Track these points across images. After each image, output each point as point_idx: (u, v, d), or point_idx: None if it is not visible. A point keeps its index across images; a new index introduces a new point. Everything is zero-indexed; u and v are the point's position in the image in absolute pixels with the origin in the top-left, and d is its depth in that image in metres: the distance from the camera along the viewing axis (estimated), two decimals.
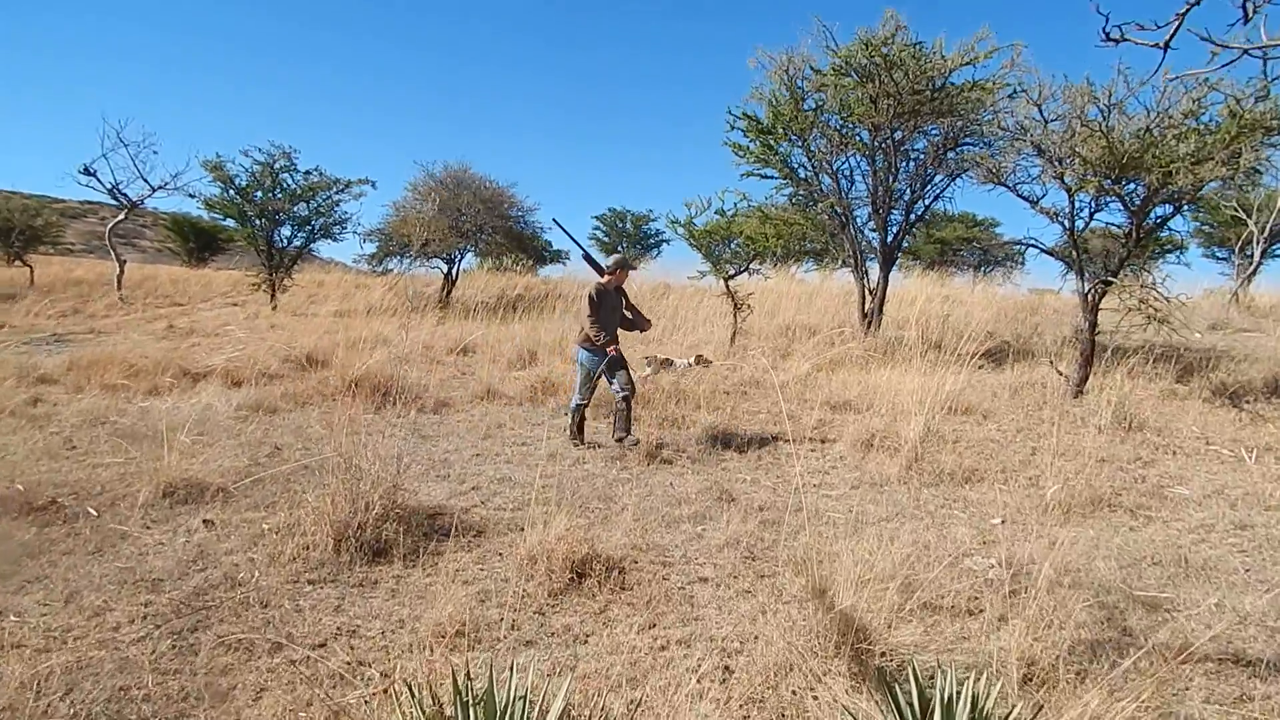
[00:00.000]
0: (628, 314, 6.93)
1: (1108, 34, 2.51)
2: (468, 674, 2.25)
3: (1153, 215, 8.23)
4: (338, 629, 3.36)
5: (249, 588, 3.70)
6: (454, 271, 18.43)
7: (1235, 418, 7.56)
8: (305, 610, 3.51)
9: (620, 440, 6.54)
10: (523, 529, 4.45)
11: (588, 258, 7.07)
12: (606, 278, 6.75)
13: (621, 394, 6.53)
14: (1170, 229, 8.30)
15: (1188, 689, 2.95)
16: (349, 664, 3.05)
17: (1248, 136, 6.93)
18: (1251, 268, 17.35)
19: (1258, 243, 17.01)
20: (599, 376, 6.65)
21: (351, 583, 3.82)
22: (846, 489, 5.66)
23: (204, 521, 4.54)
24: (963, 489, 5.61)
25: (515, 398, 8.52)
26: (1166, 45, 2.43)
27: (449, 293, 18.06)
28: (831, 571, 3.80)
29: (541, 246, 30.50)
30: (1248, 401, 8.25)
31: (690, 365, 9.43)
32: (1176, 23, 2.38)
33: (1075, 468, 5.88)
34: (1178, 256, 22.00)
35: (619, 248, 36.60)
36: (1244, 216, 17.37)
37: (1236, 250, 18.54)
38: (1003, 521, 4.89)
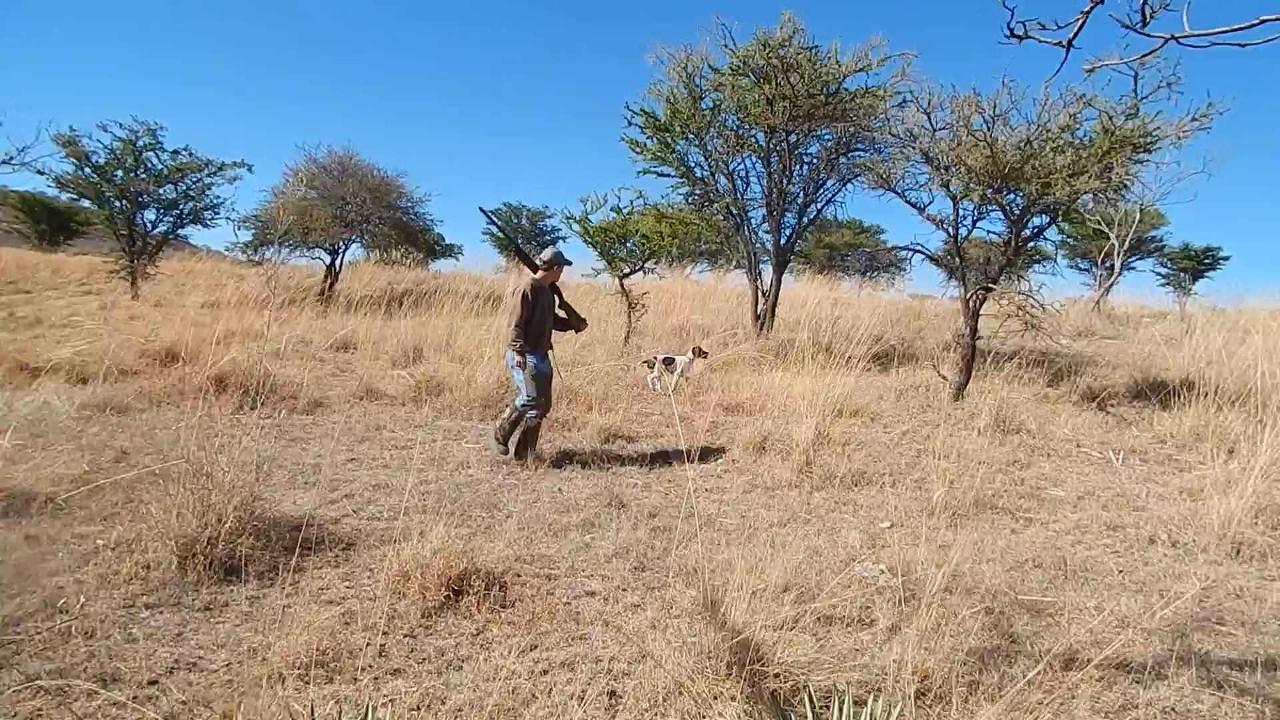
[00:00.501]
0: (561, 313, 6.44)
1: (1012, 30, 2.43)
2: (311, 715, 1.95)
3: (1030, 225, 8.55)
4: (175, 661, 2.96)
5: (73, 615, 3.24)
6: (337, 263, 17.57)
7: (1102, 421, 7.93)
8: (139, 640, 3.09)
9: (520, 458, 6.10)
10: (397, 541, 4.12)
11: (519, 252, 6.53)
12: (541, 274, 6.17)
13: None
14: (1046, 238, 8.67)
15: (1075, 698, 2.93)
16: (184, 704, 2.68)
17: (1118, 152, 7.25)
18: (1112, 278, 18.53)
19: (1118, 255, 18.16)
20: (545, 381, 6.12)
21: (197, 606, 3.41)
22: (739, 493, 5.56)
23: (25, 538, 4.00)
24: (852, 492, 5.60)
25: (397, 397, 8.08)
26: (1070, 44, 2.36)
27: (332, 285, 17.20)
28: (724, 582, 3.64)
29: (433, 240, 29.64)
30: (1112, 405, 8.68)
31: (690, 362, 9.08)
32: (1080, 20, 2.31)
33: (958, 470, 5.98)
34: (1049, 266, 23.36)
35: (525, 250, 35.91)
36: (1105, 230, 18.53)
37: (1099, 261, 19.77)
38: (891, 525, 4.88)
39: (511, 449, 6.15)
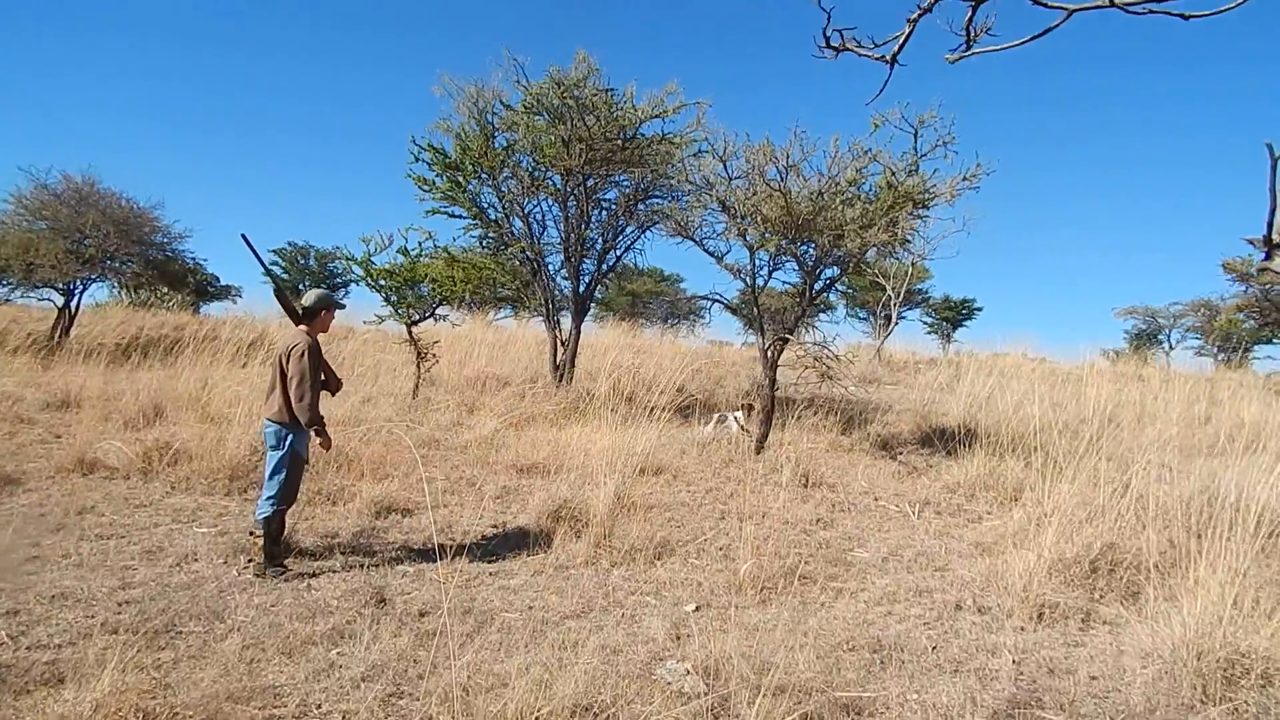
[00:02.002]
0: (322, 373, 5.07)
1: (828, 41, 1.99)
2: None
3: (822, 277, 8.62)
4: None
5: None
6: (73, 305, 15.13)
7: (895, 470, 8.00)
8: None
9: (266, 571, 4.60)
10: (64, 680, 3.06)
11: (280, 294, 5.05)
12: (304, 326, 4.90)
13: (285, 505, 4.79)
14: (839, 289, 8.88)
15: None
16: None
17: (901, 207, 7.41)
18: (890, 327, 19.77)
19: (894, 305, 19.42)
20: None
21: None
22: (528, 575, 4.84)
23: None
24: (654, 567, 5.05)
25: (121, 469, 6.65)
26: (894, 60, 1.95)
27: (66, 330, 14.76)
28: (501, 708, 2.94)
29: (204, 280, 26.76)
30: (901, 453, 8.86)
31: (741, 415, 9.33)
32: (906, 32, 1.90)
33: (764, 533, 5.64)
34: (832, 315, 24.74)
35: (300, 287, 33.21)
36: (882, 282, 19.79)
37: (876, 311, 21.10)
38: (697, 608, 4.37)
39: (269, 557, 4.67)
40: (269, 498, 4.68)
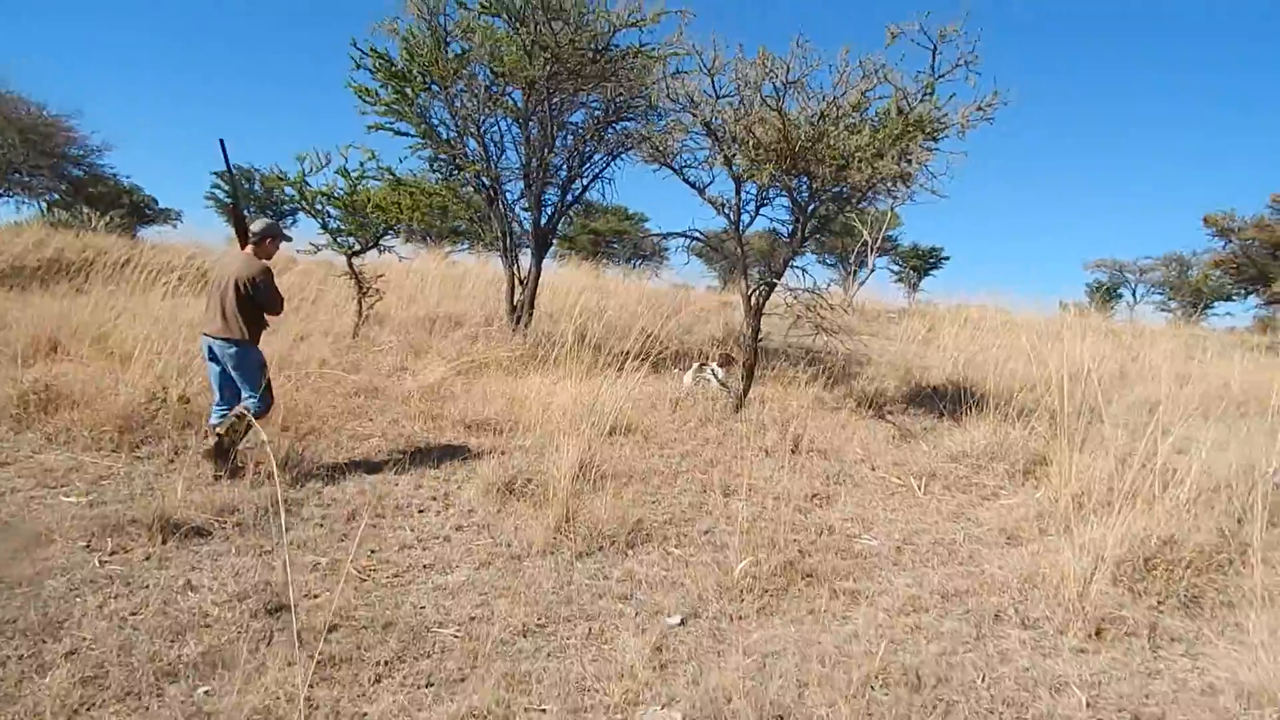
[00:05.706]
0: None
1: None
2: None
3: (816, 214, 7.67)
4: None
5: None
6: None
7: (889, 435, 7.19)
8: None
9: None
10: None
11: (237, 216, 5.24)
12: (249, 249, 5.05)
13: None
14: (833, 231, 7.96)
15: None
16: None
17: (911, 136, 6.46)
18: (865, 275, 18.98)
19: (871, 251, 18.58)
20: None
21: None
22: (471, 569, 3.92)
23: None
24: (626, 558, 4.16)
25: None
26: None
27: None
28: None
29: (141, 202, 24.87)
30: (891, 413, 8.07)
31: (718, 371, 8.46)
32: None
33: (753, 512, 4.80)
34: (801, 261, 23.83)
35: (245, 214, 31.06)
36: (860, 226, 18.89)
37: (853, 258, 20.27)
38: (682, 621, 3.50)
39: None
40: (256, 399, 4.86)
